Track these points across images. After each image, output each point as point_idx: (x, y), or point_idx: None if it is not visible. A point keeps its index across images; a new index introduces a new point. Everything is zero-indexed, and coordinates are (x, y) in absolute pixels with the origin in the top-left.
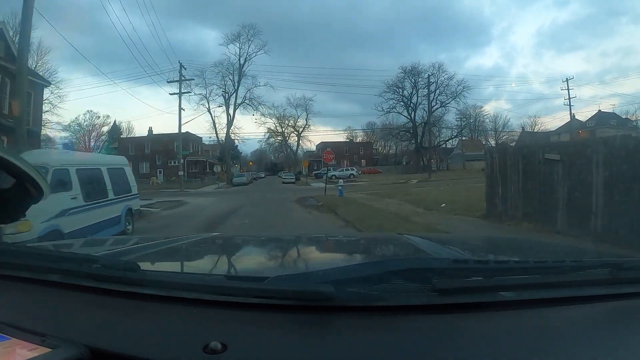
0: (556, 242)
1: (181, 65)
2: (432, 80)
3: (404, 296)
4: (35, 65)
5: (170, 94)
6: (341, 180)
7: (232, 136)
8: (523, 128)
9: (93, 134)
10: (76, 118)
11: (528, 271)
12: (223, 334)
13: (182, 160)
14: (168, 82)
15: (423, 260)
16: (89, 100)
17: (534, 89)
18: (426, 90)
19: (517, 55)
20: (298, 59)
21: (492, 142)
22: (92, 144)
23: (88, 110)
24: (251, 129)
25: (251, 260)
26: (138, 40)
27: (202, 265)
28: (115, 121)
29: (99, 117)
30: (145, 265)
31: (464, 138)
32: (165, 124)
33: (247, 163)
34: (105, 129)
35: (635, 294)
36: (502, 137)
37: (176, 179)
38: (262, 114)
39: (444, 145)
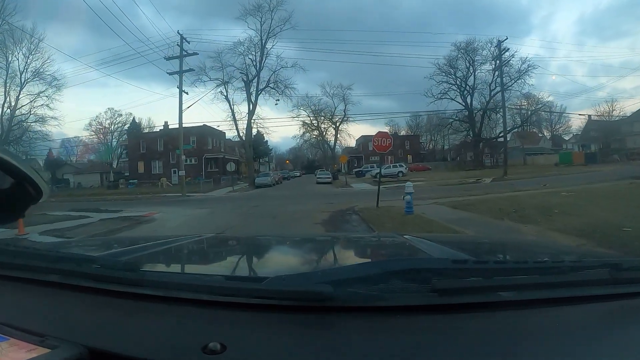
0: (556, 243)
1: (182, 38)
2: (488, 55)
3: (404, 296)
4: (30, 55)
5: (169, 74)
6: (409, 183)
7: (257, 128)
8: (590, 116)
9: (115, 133)
10: (97, 117)
11: (527, 271)
12: (222, 334)
13: (182, 157)
14: (166, 59)
15: (423, 260)
16: (111, 100)
17: (577, 79)
18: (485, 68)
19: (558, 45)
20: (330, 54)
21: (547, 134)
22: (114, 142)
23: (109, 108)
24: (283, 122)
25: (251, 261)
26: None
27: (201, 265)
28: (134, 118)
29: (121, 114)
30: (144, 266)
31: (527, 128)
32: (186, 118)
33: (284, 161)
34: (128, 127)
35: (634, 294)
36: (559, 128)
37: (190, 179)
38: (295, 106)
39: (498, 139)
